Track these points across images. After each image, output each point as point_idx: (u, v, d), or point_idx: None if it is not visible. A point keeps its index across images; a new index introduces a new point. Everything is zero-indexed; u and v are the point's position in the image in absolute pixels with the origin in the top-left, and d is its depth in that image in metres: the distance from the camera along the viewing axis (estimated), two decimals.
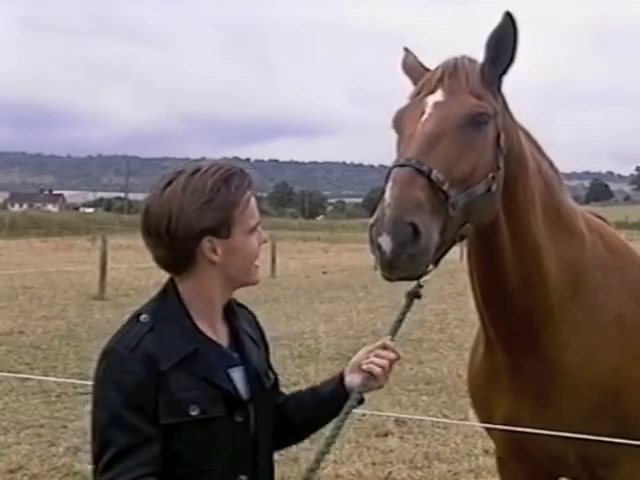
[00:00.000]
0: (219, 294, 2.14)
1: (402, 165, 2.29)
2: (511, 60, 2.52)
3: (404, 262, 2.17)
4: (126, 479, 1.90)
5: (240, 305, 2.34)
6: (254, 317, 2.38)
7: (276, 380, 2.32)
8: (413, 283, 2.34)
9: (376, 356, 2.21)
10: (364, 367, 2.20)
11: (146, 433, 1.95)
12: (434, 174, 2.26)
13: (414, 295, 2.34)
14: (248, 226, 2.10)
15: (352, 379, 2.23)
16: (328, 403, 2.27)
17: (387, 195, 2.21)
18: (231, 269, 2.11)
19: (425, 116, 2.43)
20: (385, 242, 2.15)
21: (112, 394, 1.97)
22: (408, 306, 2.35)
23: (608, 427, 2.65)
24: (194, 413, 1.99)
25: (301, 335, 11.68)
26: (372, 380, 2.20)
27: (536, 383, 2.74)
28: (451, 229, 2.33)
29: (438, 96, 2.48)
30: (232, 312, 2.23)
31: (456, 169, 2.33)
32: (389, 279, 2.27)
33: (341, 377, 2.28)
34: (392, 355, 2.22)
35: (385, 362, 2.20)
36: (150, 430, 1.96)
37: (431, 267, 2.31)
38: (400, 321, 2.33)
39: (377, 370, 2.18)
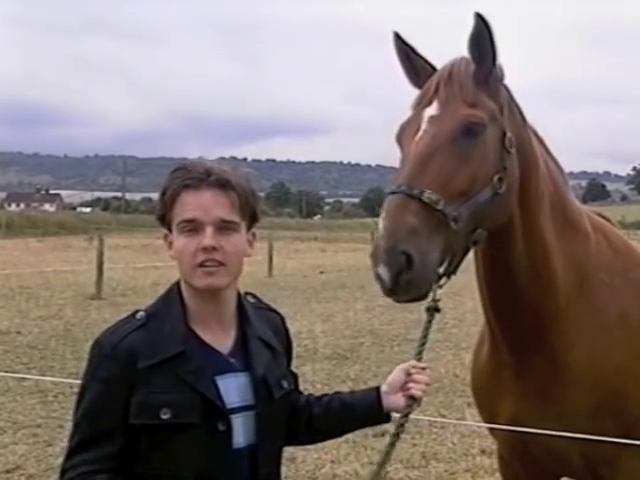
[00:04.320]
0: (197, 296, 2.07)
1: (394, 192, 2.31)
2: (494, 58, 2.50)
3: (404, 288, 2.24)
4: (75, 473, 1.97)
5: (268, 308, 2.33)
6: (282, 320, 2.35)
7: (295, 381, 2.32)
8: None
9: (413, 381, 2.27)
10: (411, 393, 2.25)
11: (108, 430, 1.98)
12: (425, 196, 2.27)
13: (434, 309, 2.38)
14: (175, 222, 2.04)
15: (394, 400, 2.27)
16: (361, 419, 2.32)
17: (381, 225, 2.26)
18: (179, 266, 2.08)
19: (420, 133, 2.43)
20: (383, 272, 2.22)
21: (88, 385, 2.03)
22: (430, 321, 2.39)
23: (612, 426, 2.66)
24: (165, 417, 1.96)
25: (298, 335, 11.66)
26: (415, 403, 2.27)
27: (541, 382, 2.74)
28: (459, 240, 2.35)
29: (433, 109, 2.47)
30: (245, 316, 2.17)
31: (452, 184, 2.33)
32: (397, 301, 2.34)
33: (377, 395, 2.29)
34: (427, 379, 2.30)
35: (424, 387, 2.28)
36: (113, 427, 1.98)
37: (444, 280, 2.37)
38: (425, 337, 2.38)
39: (420, 394, 2.26)
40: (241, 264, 2.09)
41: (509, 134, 2.49)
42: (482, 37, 2.46)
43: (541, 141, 2.78)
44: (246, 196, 2.07)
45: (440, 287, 2.36)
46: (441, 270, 2.37)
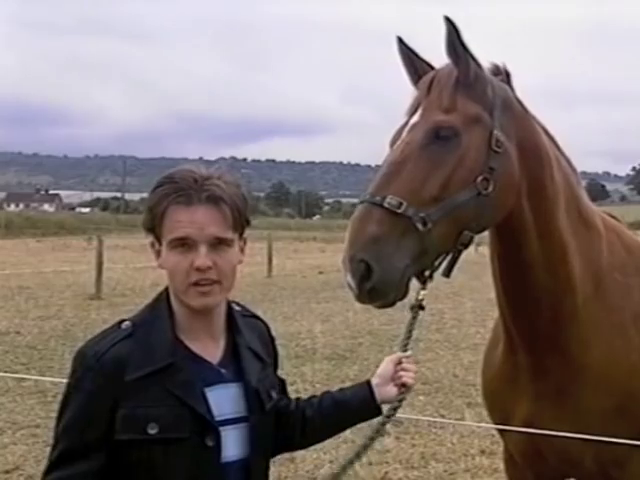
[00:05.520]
0: (188, 311, 2.00)
1: (361, 202, 2.36)
2: (468, 60, 2.49)
3: (369, 295, 2.28)
4: None
5: (253, 316, 2.27)
6: (267, 328, 2.30)
7: (283, 386, 2.30)
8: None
9: (403, 370, 2.28)
10: (402, 380, 2.26)
11: (90, 444, 1.91)
12: (387, 201, 2.29)
13: (417, 307, 2.40)
14: (166, 239, 1.95)
15: (386, 391, 2.27)
16: (355, 414, 2.30)
17: (346, 235, 2.31)
18: (170, 281, 2.01)
19: (398, 142, 2.48)
20: (349, 280, 2.27)
21: (71, 397, 1.96)
22: (414, 318, 2.41)
23: (626, 428, 2.65)
24: (152, 431, 1.89)
25: (298, 335, 11.68)
26: (406, 391, 2.28)
27: (558, 383, 2.72)
28: (436, 243, 2.34)
29: (416, 117, 2.50)
30: (235, 325, 2.12)
31: (422, 189, 2.34)
32: (375, 307, 2.40)
33: (369, 388, 2.28)
34: (415, 367, 2.32)
35: (413, 374, 2.30)
36: (96, 442, 1.91)
37: (429, 282, 2.41)
38: (409, 331, 2.40)
39: (412, 382, 2.28)
40: (234, 276, 2.02)
41: (497, 134, 2.47)
42: (453, 40, 2.47)
43: (551, 137, 2.77)
44: (238, 208, 1.99)
45: (424, 288, 2.40)
46: (427, 273, 2.40)
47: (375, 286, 2.25)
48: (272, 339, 2.31)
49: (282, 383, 2.30)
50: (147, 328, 2.00)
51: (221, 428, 1.98)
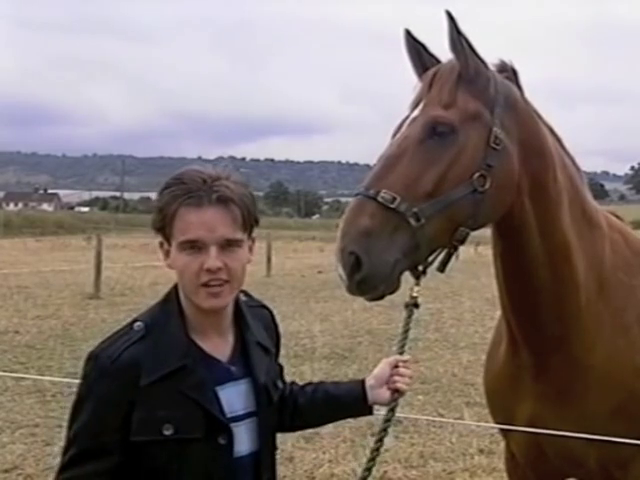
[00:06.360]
0: (198, 310, 2.01)
1: (356, 195, 2.36)
2: (467, 55, 2.48)
3: (359, 287, 2.29)
4: None
5: (260, 305, 2.30)
6: (272, 316, 2.33)
7: (281, 370, 2.31)
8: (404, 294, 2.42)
9: (398, 374, 2.28)
10: (396, 386, 2.27)
11: (104, 447, 1.93)
12: (380, 195, 2.29)
13: (412, 305, 2.40)
14: (177, 240, 1.96)
15: (379, 394, 2.28)
16: (345, 411, 2.34)
17: (339, 226, 2.31)
18: (179, 281, 2.03)
19: (397, 135, 2.48)
20: (340, 271, 2.28)
21: (84, 400, 1.97)
22: (409, 316, 2.41)
23: (630, 429, 2.64)
24: (167, 432, 1.92)
25: (297, 334, 11.67)
26: (399, 395, 2.29)
27: (561, 383, 2.71)
28: (429, 239, 2.34)
29: (416, 111, 2.50)
30: (243, 320, 2.14)
31: (416, 184, 2.34)
32: (367, 300, 2.41)
33: (362, 389, 2.29)
34: (411, 372, 2.32)
35: (409, 380, 2.30)
36: (109, 444, 1.93)
37: (422, 277, 2.41)
38: (406, 331, 2.41)
39: (405, 388, 2.28)
40: (244, 276, 2.04)
41: (497, 131, 2.46)
42: (453, 35, 2.46)
43: (556, 137, 2.76)
44: (247, 208, 2.01)
45: (417, 284, 2.40)
46: (420, 268, 2.40)
47: (364, 278, 2.26)
48: (275, 325, 2.34)
49: (280, 368, 2.32)
50: (160, 329, 2.01)
51: (233, 424, 2.02)
